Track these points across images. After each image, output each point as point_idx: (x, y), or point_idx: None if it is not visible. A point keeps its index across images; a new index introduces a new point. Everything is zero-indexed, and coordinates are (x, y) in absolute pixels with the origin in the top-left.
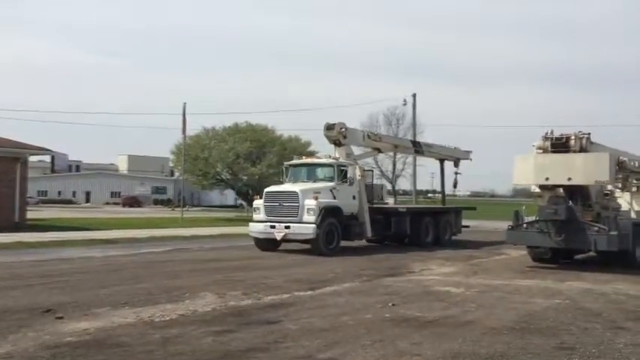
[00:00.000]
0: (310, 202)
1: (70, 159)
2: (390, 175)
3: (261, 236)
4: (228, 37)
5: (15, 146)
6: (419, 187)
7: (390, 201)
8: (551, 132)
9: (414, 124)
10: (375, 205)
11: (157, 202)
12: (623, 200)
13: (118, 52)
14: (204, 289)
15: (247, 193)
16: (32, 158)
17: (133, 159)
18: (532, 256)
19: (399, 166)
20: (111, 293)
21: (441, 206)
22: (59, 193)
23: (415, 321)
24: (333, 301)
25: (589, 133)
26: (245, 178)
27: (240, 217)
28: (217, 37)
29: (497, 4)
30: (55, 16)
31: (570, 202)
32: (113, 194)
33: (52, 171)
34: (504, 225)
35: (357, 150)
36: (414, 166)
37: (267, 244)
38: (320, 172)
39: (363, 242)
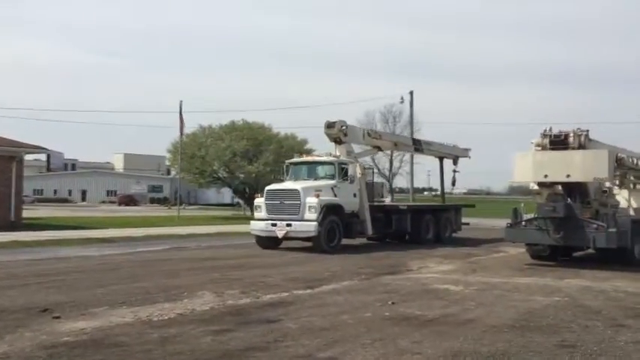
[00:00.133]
0: (312, 200)
1: (65, 157)
2: (387, 173)
3: (262, 234)
4: (227, 36)
5: (11, 145)
6: (415, 184)
7: (387, 199)
8: (550, 129)
9: (411, 122)
10: (375, 203)
11: (153, 201)
12: (621, 197)
13: (118, 52)
14: (202, 287)
15: (244, 191)
16: (28, 157)
17: (129, 157)
18: (530, 254)
19: (395, 164)
20: (108, 292)
21: (441, 204)
22: (55, 191)
23: (415, 319)
24: (332, 299)
25: (587, 130)
26: (242, 176)
27: (237, 216)
28: (217, 36)
29: (496, 4)
30: (55, 16)
31: (569, 199)
32: (109, 193)
33: (48, 170)
34: (501, 222)
35: (356, 148)
36: (412, 164)
37: (269, 242)
38: (321, 170)
39: (363, 240)
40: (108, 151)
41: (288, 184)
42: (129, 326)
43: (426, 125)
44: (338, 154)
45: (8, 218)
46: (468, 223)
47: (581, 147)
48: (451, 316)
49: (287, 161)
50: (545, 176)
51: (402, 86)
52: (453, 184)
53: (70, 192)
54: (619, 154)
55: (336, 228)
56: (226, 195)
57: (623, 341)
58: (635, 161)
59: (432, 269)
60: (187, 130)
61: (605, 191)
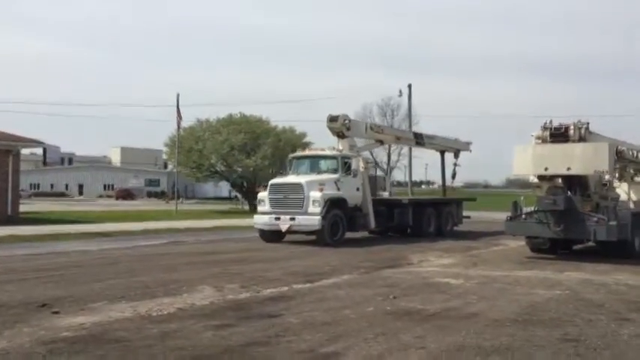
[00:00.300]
0: (315, 194)
1: (62, 151)
2: (385, 167)
3: (266, 228)
4: (226, 30)
5: (7, 139)
6: (413, 178)
7: (385, 193)
8: (550, 122)
9: (409, 115)
10: (378, 197)
11: (150, 195)
12: (621, 190)
13: (116, 46)
14: (201, 282)
15: (242, 185)
16: (24, 151)
17: (126, 151)
18: (530, 247)
19: (393, 157)
20: (107, 287)
21: (443, 197)
22: (52, 186)
23: (417, 314)
24: (333, 293)
25: (588, 123)
26: (240, 169)
27: (234, 210)
28: (215, 30)
29: None
30: (52, 10)
31: (569, 192)
32: (106, 187)
33: (44, 164)
34: (499, 215)
35: (358, 142)
36: (410, 157)
37: (272, 236)
38: (324, 164)
39: (365, 233)
40: (104, 144)
41: (291, 178)
42: (128, 321)
43: (424, 118)
44: (341, 148)
45: (5, 213)
46: (469, 217)
47: (581, 139)
48: (453, 310)
49: (290, 155)
50: (546, 169)
51: (400, 80)
52: (454, 177)
53: (67, 186)
54: (619, 147)
55: (340, 222)
56: (224, 189)
57: (627, 335)
58: (634, 154)
59: (433, 263)
60: (185, 124)
61: (605, 184)
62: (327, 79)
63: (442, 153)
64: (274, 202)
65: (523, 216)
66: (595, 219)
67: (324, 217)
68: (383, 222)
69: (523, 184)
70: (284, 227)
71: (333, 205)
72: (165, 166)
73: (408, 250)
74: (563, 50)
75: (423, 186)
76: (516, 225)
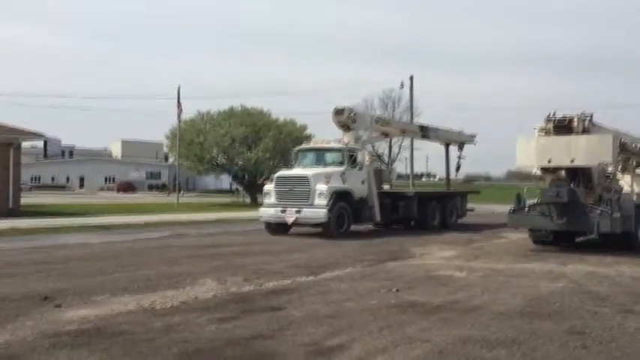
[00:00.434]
0: (322, 187)
1: (62, 144)
2: (386, 159)
3: (272, 220)
4: (227, 22)
5: (8, 132)
6: (414, 170)
7: (385, 186)
8: (554, 114)
9: (411, 107)
10: (382, 190)
11: (151, 188)
12: (624, 182)
13: (118, 37)
14: (204, 275)
15: (243, 177)
16: (24, 144)
17: (126, 144)
18: (533, 239)
19: (394, 149)
20: (109, 280)
21: (448, 190)
22: (52, 178)
23: (421, 306)
24: (336, 286)
25: (592, 114)
26: (241, 162)
27: (236, 203)
28: (216, 21)
29: None
30: (53, 1)
31: (572, 184)
32: (107, 180)
33: (45, 156)
34: (500, 208)
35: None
36: (411, 150)
37: (278, 228)
38: (329, 157)
39: (369, 226)
40: (104, 137)
41: (297, 171)
42: (132, 314)
43: (426, 110)
44: (346, 140)
45: (6, 206)
46: (472, 209)
47: (585, 131)
48: (457, 302)
49: (296, 148)
50: (549, 161)
51: (401, 71)
52: (457, 170)
53: (67, 179)
54: (622, 139)
55: (346, 214)
56: (225, 182)
57: (633, 327)
58: (637, 146)
59: (435, 255)
60: (185, 117)
61: (608, 176)
62: (327, 71)
63: (447, 146)
64: (280, 195)
65: (526, 208)
66: (598, 211)
67: (330, 210)
68: (388, 215)
69: (524, 176)
70: (290, 220)
71: (339, 197)
72: (166, 159)
73: (411, 242)
74: (567, 43)
75: (424, 179)
76: (519, 217)
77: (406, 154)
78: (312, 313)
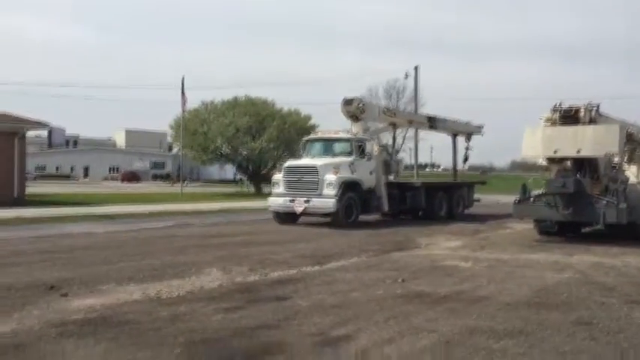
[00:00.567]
0: (330, 177)
1: (67, 134)
2: (390, 150)
3: (280, 210)
4: (231, 12)
5: (13, 121)
6: (419, 160)
7: (390, 177)
8: (560, 104)
9: (415, 98)
10: (389, 180)
11: (155, 178)
12: (630, 173)
13: (121, 27)
14: (209, 264)
15: (247, 167)
16: (29, 134)
17: (130, 134)
18: (538, 230)
19: (398, 140)
20: (115, 269)
21: (455, 181)
22: (57, 168)
23: (427, 297)
24: (342, 276)
25: (598, 105)
26: (245, 152)
27: (240, 192)
28: (221, 11)
29: None
30: None
31: (578, 174)
32: (111, 169)
33: (49, 146)
34: (504, 198)
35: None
36: (416, 140)
37: (287, 218)
38: (338, 147)
39: (377, 216)
40: (108, 126)
41: (306, 161)
42: (138, 303)
43: (431, 100)
44: (354, 131)
45: (12, 195)
46: (479, 200)
47: (591, 122)
48: (463, 293)
49: (304, 138)
50: (555, 151)
51: (405, 62)
52: (465, 161)
53: (72, 169)
54: (629, 129)
55: (354, 204)
56: (229, 171)
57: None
58: None
59: (440, 245)
60: (190, 106)
61: (614, 166)
62: (332, 61)
63: (454, 136)
64: (289, 185)
65: (531, 199)
66: (604, 202)
67: (339, 200)
68: (395, 205)
69: (528, 166)
70: (299, 209)
71: (348, 187)
72: (170, 149)
73: (418, 232)
74: (573, 33)
75: (428, 169)
76: (525, 208)
77: (410, 144)
78: (318, 303)
